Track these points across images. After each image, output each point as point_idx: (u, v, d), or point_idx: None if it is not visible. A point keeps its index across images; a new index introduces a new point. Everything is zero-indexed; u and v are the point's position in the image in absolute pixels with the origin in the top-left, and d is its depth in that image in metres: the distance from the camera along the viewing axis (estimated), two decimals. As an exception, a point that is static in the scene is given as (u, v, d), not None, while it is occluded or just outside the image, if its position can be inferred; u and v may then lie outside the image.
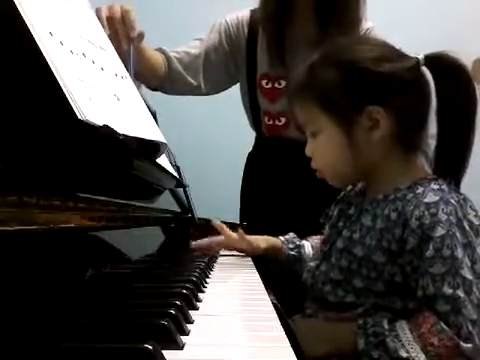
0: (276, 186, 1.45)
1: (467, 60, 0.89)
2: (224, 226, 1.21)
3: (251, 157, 1.56)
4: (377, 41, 0.91)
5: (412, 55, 0.87)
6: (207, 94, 1.50)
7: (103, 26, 0.99)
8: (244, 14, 1.45)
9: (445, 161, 0.87)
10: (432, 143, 0.88)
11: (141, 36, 1.24)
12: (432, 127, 0.88)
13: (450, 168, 0.87)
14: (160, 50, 1.41)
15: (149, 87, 1.40)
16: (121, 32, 1.17)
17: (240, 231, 1.17)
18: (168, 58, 1.41)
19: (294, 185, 1.42)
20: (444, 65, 0.86)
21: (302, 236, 1.17)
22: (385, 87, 0.84)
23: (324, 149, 0.90)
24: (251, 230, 1.22)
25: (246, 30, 1.44)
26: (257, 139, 1.53)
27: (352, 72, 0.85)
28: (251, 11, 1.45)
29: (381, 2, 1.40)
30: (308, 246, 1.12)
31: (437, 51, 0.86)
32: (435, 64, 0.86)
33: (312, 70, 0.89)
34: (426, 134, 0.89)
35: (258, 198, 1.50)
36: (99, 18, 1.02)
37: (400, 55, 0.88)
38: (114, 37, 1.13)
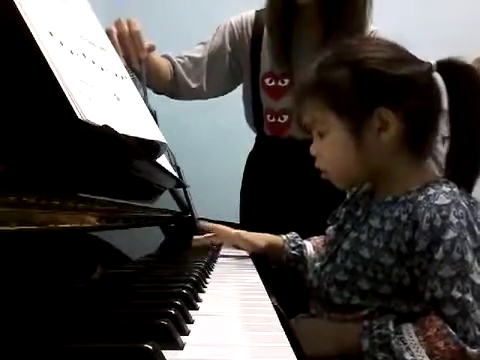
0: (277, 186, 1.46)
1: (467, 60, 0.89)
2: (215, 225, 1.20)
3: (252, 157, 1.56)
4: (387, 42, 0.90)
5: (422, 59, 0.87)
6: (209, 97, 1.51)
7: (116, 49, 0.99)
8: (249, 14, 1.47)
9: (457, 165, 0.87)
10: (441, 148, 0.88)
11: (152, 49, 1.25)
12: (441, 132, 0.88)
13: (463, 172, 0.87)
14: (166, 56, 1.43)
15: (155, 92, 1.42)
16: (132, 52, 1.19)
17: (238, 231, 1.17)
18: (173, 64, 1.42)
19: (295, 185, 1.42)
20: (456, 71, 0.85)
21: (304, 237, 1.16)
22: (396, 89, 0.84)
23: (331, 149, 0.89)
24: (252, 230, 1.22)
25: (251, 30, 1.45)
26: (258, 139, 1.54)
27: (363, 72, 0.85)
28: (256, 12, 1.46)
29: (382, 3, 1.39)
30: (310, 246, 1.12)
31: (449, 57, 0.86)
32: (448, 70, 0.86)
33: (322, 69, 0.88)
34: (436, 138, 0.88)
35: (258, 198, 1.50)
36: (112, 41, 1.01)
37: (412, 58, 0.87)
38: (125, 56, 1.15)
